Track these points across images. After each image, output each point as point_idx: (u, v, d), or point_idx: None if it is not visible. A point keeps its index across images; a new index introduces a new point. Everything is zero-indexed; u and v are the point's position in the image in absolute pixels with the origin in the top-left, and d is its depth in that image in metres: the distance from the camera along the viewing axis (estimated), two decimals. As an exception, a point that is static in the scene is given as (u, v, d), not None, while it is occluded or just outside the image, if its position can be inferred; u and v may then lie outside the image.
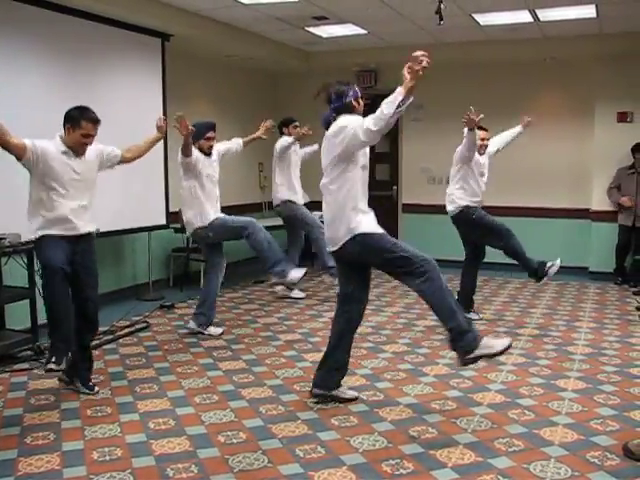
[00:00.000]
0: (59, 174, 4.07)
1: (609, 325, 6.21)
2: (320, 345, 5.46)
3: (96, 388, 4.38)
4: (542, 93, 8.94)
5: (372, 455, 3.45)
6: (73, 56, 6.11)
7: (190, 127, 5.28)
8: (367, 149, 3.99)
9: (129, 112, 6.71)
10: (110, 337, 5.63)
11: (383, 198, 9.36)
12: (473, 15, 7.14)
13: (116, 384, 4.51)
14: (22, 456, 3.43)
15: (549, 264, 6.06)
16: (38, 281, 5.07)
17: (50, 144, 4.09)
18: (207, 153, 5.75)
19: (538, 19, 7.26)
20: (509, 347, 3.76)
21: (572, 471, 3.26)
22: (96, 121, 4.13)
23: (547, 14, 7.07)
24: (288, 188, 7.22)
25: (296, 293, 7.32)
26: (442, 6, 5.68)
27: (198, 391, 4.40)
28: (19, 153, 3.97)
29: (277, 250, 5.58)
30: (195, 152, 5.63)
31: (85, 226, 4.24)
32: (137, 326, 6.05)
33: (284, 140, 7.13)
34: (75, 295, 4.23)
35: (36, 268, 5.12)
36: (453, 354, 5.21)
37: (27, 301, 5.25)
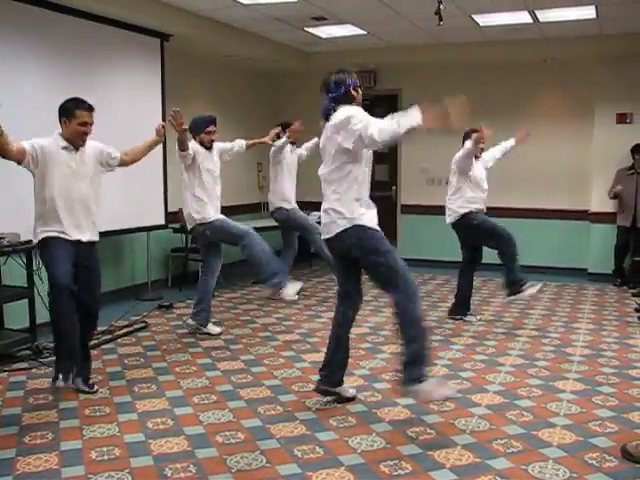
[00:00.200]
0: (60, 170, 4.07)
1: (608, 327, 6.21)
2: (319, 345, 5.46)
3: (95, 387, 4.38)
4: (541, 94, 8.95)
5: (370, 455, 3.45)
6: (73, 56, 6.11)
7: (184, 127, 5.24)
8: None
9: (129, 112, 6.72)
10: (109, 337, 5.63)
11: (382, 199, 9.31)
12: (472, 16, 7.14)
13: (114, 384, 4.51)
14: (20, 455, 3.43)
15: (528, 284, 6.04)
16: (37, 281, 5.10)
17: (49, 141, 4.09)
18: (208, 147, 5.73)
19: (538, 20, 7.26)
20: (447, 398, 3.70)
21: (570, 472, 3.26)
22: (90, 108, 4.13)
23: (547, 15, 7.08)
24: (281, 196, 7.15)
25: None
26: (441, 7, 5.68)
27: (196, 391, 4.40)
28: (19, 158, 3.96)
29: (273, 263, 5.52)
30: (194, 146, 5.61)
31: (90, 234, 4.25)
32: (136, 326, 6.04)
33: (275, 143, 7.10)
34: (79, 293, 4.22)
35: (35, 268, 5.13)
36: (451, 355, 5.24)
37: (26, 300, 5.25)
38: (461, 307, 6.34)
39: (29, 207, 4.25)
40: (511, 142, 6.47)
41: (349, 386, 4.34)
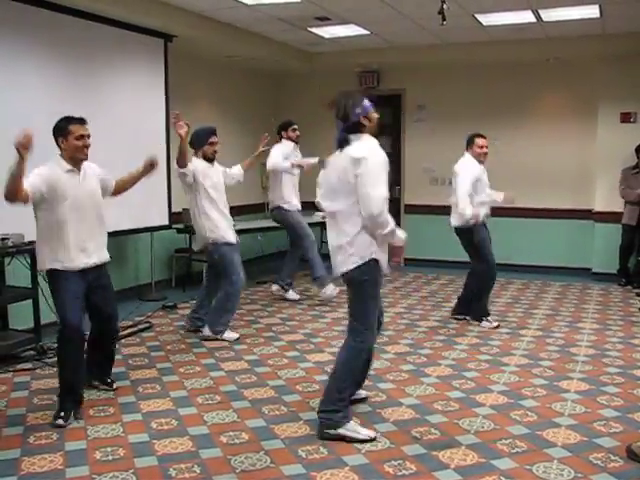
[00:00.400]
0: (67, 194, 3.96)
1: (612, 326, 6.20)
2: (323, 346, 5.47)
3: (115, 385, 4.44)
4: (545, 93, 8.94)
5: (374, 456, 3.45)
6: (75, 57, 6.09)
7: (185, 129, 5.22)
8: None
9: (132, 113, 6.72)
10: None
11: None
12: (476, 15, 7.12)
13: (119, 384, 4.50)
14: (25, 455, 3.44)
15: (488, 319, 6.08)
16: (41, 281, 5.09)
17: (51, 166, 3.97)
18: (211, 159, 5.65)
19: (541, 19, 7.24)
20: (371, 440, 3.63)
21: (575, 473, 3.26)
22: (82, 121, 4.06)
23: (550, 14, 7.06)
24: (280, 195, 7.06)
25: (291, 295, 7.29)
26: (445, 6, 5.67)
27: (201, 391, 4.41)
28: (24, 200, 3.84)
29: (229, 316, 5.69)
30: (194, 163, 5.52)
31: (99, 255, 4.18)
32: (140, 326, 6.05)
33: (278, 163, 6.90)
34: (96, 314, 4.24)
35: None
36: (455, 355, 5.24)
37: (30, 301, 5.26)
38: (466, 307, 6.30)
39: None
40: (499, 197, 6.23)
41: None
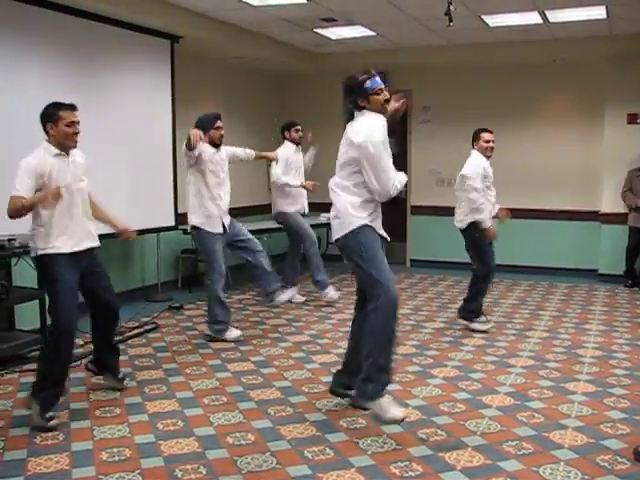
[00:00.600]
0: (58, 179, 3.90)
1: (619, 328, 6.18)
2: (328, 347, 5.46)
3: (126, 380, 4.44)
4: (551, 95, 8.92)
5: (381, 457, 3.44)
6: (81, 58, 6.11)
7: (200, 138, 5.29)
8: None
9: (138, 114, 6.74)
10: (119, 338, 5.63)
11: (392, 200, 9.33)
12: (482, 17, 7.12)
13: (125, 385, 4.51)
14: (32, 456, 3.45)
15: (480, 320, 6.03)
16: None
17: (39, 155, 3.90)
18: (218, 144, 5.65)
19: (548, 20, 7.23)
20: (400, 421, 3.68)
21: (582, 475, 3.24)
22: (73, 107, 3.98)
23: (557, 15, 7.04)
24: (282, 197, 7.04)
25: (297, 298, 7.23)
26: (451, 8, 5.66)
27: (207, 392, 4.41)
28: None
29: (219, 311, 5.63)
30: (202, 146, 5.51)
31: (90, 239, 4.12)
32: (146, 327, 6.06)
33: (279, 180, 6.92)
34: (95, 301, 4.20)
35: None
36: (462, 356, 5.23)
37: (36, 302, 5.27)
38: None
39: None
40: (495, 208, 6.14)
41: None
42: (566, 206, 8.88)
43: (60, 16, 5.83)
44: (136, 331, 5.91)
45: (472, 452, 3.50)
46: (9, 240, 5.01)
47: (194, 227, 5.66)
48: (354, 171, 3.78)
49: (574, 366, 5.00)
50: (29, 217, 3.94)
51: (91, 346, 4.58)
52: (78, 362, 4.91)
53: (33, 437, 3.67)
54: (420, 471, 3.29)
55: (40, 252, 3.93)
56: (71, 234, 3.99)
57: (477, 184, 5.76)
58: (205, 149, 5.57)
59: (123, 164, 6.57)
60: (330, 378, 4.35)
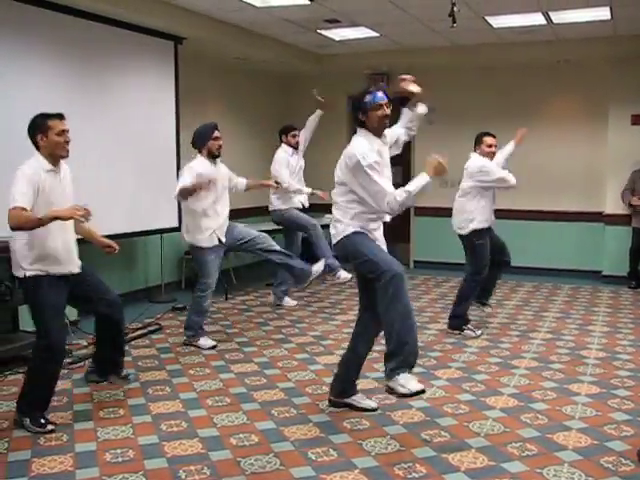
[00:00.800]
0: (52, 195, 3.81)
1: (623, 329, 6.16)
2: (332, 348, 5.46)
3: (130, 377, 4.43)
4: (555, 96, 8.91)
5: (384, 459, 3.44)
6: (84, 59, 6.11)
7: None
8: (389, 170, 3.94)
9: (142, 116, 6.75)
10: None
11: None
12: (486, 18, 7.11)
13: (129, 386, 4.50)
14: (35, 457, 3.45)
15: (471, 327, 5.93)
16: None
17: (34, 167, 3.79)
18: (216, 155, 5.57)
19: (551, 21, 7.22)
20: (420, 393, 3.65)
21: (586, 476, 3.24)
22: (61, 116, 3.91)
23: (560, 16, 7.03)
24: (278, 197, 7.02)
25: (287, 301, 7.17)
26: (455, 9, 5.66)
27: (210, 393, 4.41)
28: None
29: (199, 320, 5.60)
30: (196, 166, 5.41)
31: (77, 263, 4.02)
32: (149, 328, 6.07)
33: (289, 184, 6.92)
34: (96, 306, 4.11)
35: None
36: (465, 357, 5.23)
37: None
38: (485, 295, 6.21)
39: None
40: (510, 146, 6.30)
41: (359, 389, 4.28)
42: (570, 207, 8.87)
43: (61, 16, 5.82)
44: (139, 332, 5.91)
45: (476, 453, 3.50)
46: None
47: (189, 244, 5.64)
48: (348, 190, 3.85)
49: (578, 367, 4.99)
50: None
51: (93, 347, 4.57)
52: (82, 363, 4.93)
53: (37, 438, 3.68)
54: (424, 472, 3.28)
55: (32, 273, 3.80)
56: (65, 252, 3.89)
57: (495, 168, 5.77)
58: (198, 167, 5.43)
59: (126, 165, 6.57)
60: (333, 379, 4.34)
